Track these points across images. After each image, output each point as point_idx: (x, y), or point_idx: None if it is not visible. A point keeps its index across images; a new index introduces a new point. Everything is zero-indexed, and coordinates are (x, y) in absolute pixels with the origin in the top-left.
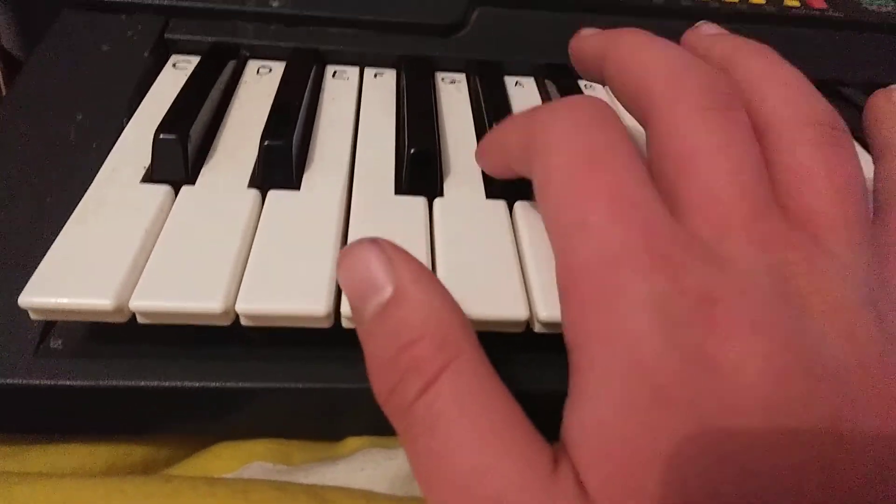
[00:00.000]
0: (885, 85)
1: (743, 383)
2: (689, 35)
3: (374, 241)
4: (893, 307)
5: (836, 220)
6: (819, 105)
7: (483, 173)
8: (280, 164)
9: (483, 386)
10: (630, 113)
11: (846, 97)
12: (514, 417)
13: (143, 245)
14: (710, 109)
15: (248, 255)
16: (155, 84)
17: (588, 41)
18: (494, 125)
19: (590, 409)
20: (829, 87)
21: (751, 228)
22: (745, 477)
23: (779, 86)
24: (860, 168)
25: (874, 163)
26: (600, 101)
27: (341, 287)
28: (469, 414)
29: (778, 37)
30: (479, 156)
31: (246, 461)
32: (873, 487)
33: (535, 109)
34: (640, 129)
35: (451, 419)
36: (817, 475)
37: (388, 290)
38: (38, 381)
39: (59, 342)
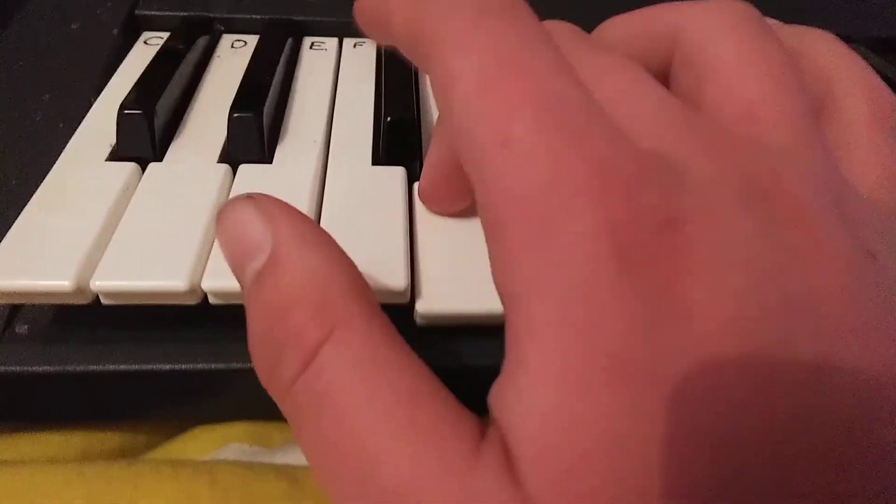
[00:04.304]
0: (891, 40)
1: (715, 334)
2: None
3: (251, 198)
4: (855, 207)
5: (780, 112)
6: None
7: None
8: (250, 137)
9: (375, 356)
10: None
11: None
12: (417, 391)
13: (107, 224)
14: (575, 41)
15: None
16: (125, 61)
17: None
18: None
19: (529, 387)
20: None
21: (692, 130)
22: (724, 457)
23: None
24: (790, 54)
25: None
26: None
27: (222, 252)
28: (358, 392)
29: None
30: (356, 15)
31: (223, 444)
32: (858, 444)
33: None
34: None
35: (336, 400)
36: (801, 437)
37: (265, 253)
38: (3, 368)
39: (25, 327)
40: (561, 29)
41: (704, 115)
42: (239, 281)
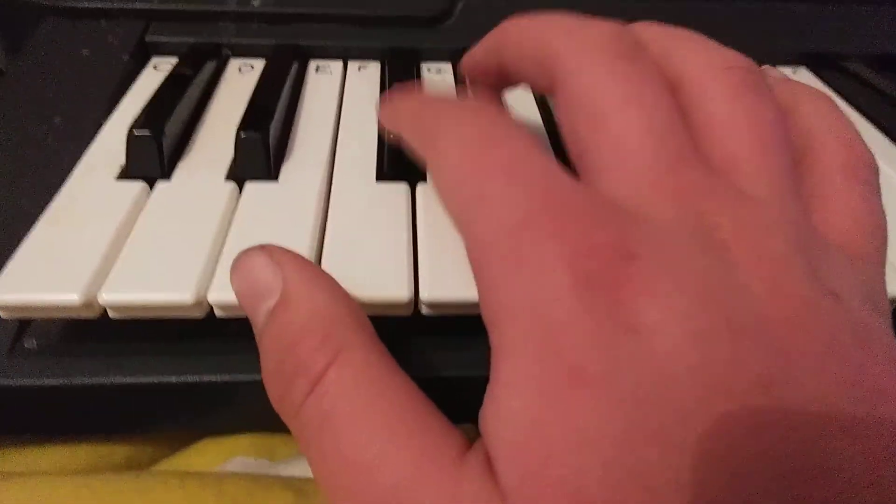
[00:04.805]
0: (887, 57)
1: (665, 348)
2: None
3: (262, 248)
4: (824, 258)
5: (761, 166)
6: (728, 51)
7: None
8: (256, 156)
9: (374, 377)
10: (537, 86)
11: (849, 71)
12: (411, 407)
13: (116, 240)
14: (617, 59)
15: (224, 246)
16: (134, 85)
17: (474, 49)
18: (396, 90)
19: (503, 395)
20: (829, 61)
21: (667, 182)
22: (674, 455)
23: (684, 39)
24: (781, 113)
25: None
26: (485, 102)
27: (236, 297)
28: (358, 408)
29: (776, 11)
30: (379, 114)
31: (228, 457)
32: (809, 454)
33: (426, 99)
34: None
35: (340, 415)
36: (750, 442)
37: (276, 295)
38: (12, 382)
39: (34, 341)
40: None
41: (694, 164)
42: (252, 320)
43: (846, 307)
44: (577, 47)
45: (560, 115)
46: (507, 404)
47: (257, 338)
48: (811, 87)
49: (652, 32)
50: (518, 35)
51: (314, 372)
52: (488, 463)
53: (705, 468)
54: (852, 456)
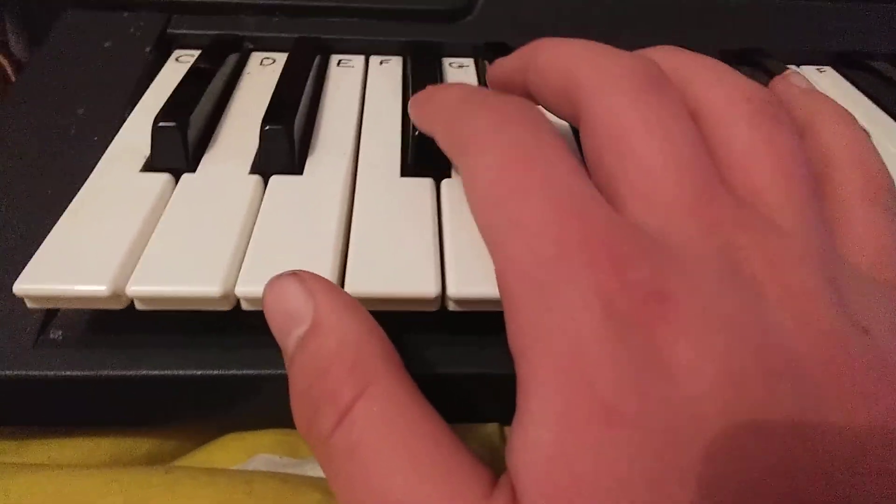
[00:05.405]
0: None
1: (699, 389)
2: None
3: (294, 274)
4: (851, 286)
5: (785, 197)
6: (747, 82)
7: None
8: (281, 149)
9: (403, 411)
10: (560, 114)
11: (876, 70)
12: (439, 442)
13: (142, 232)
14: (641, 90)
15: (250, 239)
16: (157, 77)
17: (503, 62)
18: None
19: (532, 428)
20: (856, 60)
21: (697, 213)
22: (706, 497)
23: (704, 69)
24: (800, 141)
25: None
26: (524, 99)
27: (268, 323)
28: (387, 442)
29: (802, 10)
30: (412, 113)
31: (252, 453)
32: (840, 491)
33: (462, 98)
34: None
35: (368, 448)
36: (782, 483)
37: (306, 322)
38: (37, 373)
39: (59, 333)
40: (649, 65)
41: (722, 194)
42: (282, 346)
43: (877, 342)
44: (601, 78)
45: (585, 143)
46: (535, 438)
47: (287, 364)
48: (831, 103)
49: (672, 61)
50: (543, 62)
51: (342, 403)
52: (514, 500)
53: None
54: (884, 497)
